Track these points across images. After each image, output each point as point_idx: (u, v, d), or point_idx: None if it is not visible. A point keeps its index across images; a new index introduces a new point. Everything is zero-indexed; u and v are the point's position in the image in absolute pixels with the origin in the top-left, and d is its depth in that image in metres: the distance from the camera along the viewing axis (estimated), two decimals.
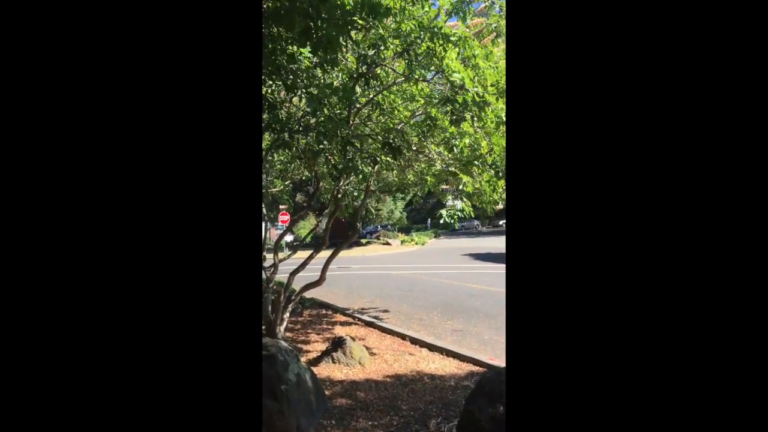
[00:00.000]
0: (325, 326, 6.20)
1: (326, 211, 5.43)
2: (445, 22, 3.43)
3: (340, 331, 5.84)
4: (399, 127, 3.74)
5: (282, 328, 4.98)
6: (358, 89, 3.06)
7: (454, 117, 3.09)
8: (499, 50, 4.31)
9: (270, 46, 2.64)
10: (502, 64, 3.78)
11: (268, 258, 5.50)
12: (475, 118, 3.09)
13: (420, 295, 8.53)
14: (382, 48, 3.08)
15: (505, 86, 3.40)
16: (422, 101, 3.74)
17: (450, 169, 3.72)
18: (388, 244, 23.21)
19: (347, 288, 9.57)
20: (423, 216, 37.14)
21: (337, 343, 4.39)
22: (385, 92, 3.74)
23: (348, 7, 1.89)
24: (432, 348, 4.90)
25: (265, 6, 2.17)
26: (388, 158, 3.89)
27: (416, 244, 23.54)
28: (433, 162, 4.05)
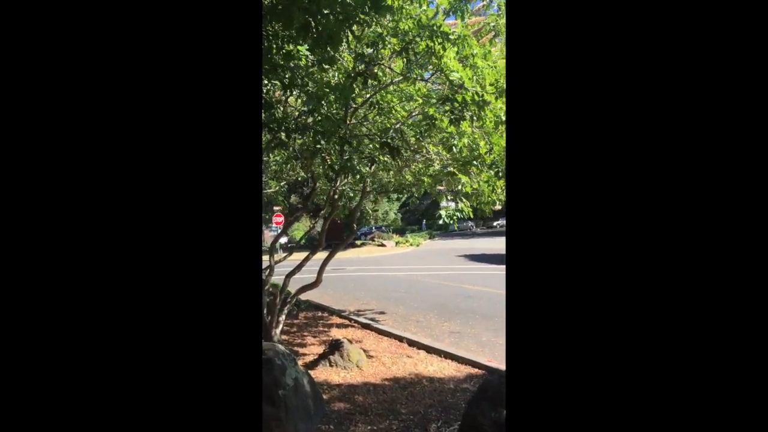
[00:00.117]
0: (321, 329, 6.14)
1: (322, 212, 5.37)
2: (443, 20, 3.39)
3: (336, 333, 5.78)
4: (396, 127, 3.70)
5: (278, 331, 4.92)
6: (355, 88, 3.00)
7: (454, 116, 3.05)
8: (497, 50, 4.28)
9: (266, 44, 2.58)
10: (500, 63, 3.75)
11: (264, 260, 5.43)
12: (475, 118, 3.05)
13: (416, 296, 8.48)
14: (381, 47, 3.03)
15: (503, 86, 3.37)
16: (420, 101, 3.69)
17: (448, 169, 3.68)
18: (382, 245, 23.14)
19: (343, 290, 9.51)
20: (417, 217, 37.15)
21: (334, 346, 4.33)
22: (381, 92, 3.70)
23: (349, 1, 1.84)
24: (430, 350, 4.85)
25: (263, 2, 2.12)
26: (385, 158, 3.85)
27: (411, 245, 23.51)
28: (431, 162, 4.01)
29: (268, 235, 14.94)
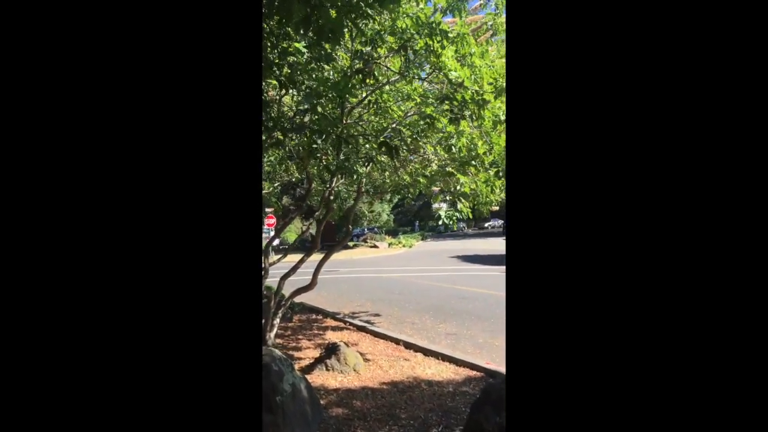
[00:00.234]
0: (315, 332, 6.05)
1: (317, 214, 5.28)
2: (441, 18, 3.34)
3: (331, 336, 5.70)
4: (393, 126, 3.64)
5: (272, 334, 4.83)
6: (355, 86, 2.94)
7: (453, 115, 3.00)
8: (494, 49, 4.25)
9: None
10: (498, 63, 3.72)
11: None
12: (474, 117, 3.00)
13: (411, 298, 8.43)
14: (379, 44, 2.97)
15: (501, 85, 3.33)
16: (418, 100, 3.64)
17: (447, 169, 3.63)
18: (375, 246, 23.06)
19: (336, 292, 9.42)
20: (409, 218, 37.14)
21: (331, 350, 4.25)
22: (378, 91, 3.64)
23: None
24: (427, 353, 4.79)
25: None
26: (382, 158, 3.79)
27: (404, 246, 23.46)
28: (429, 162, 3.95)
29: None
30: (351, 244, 23.48)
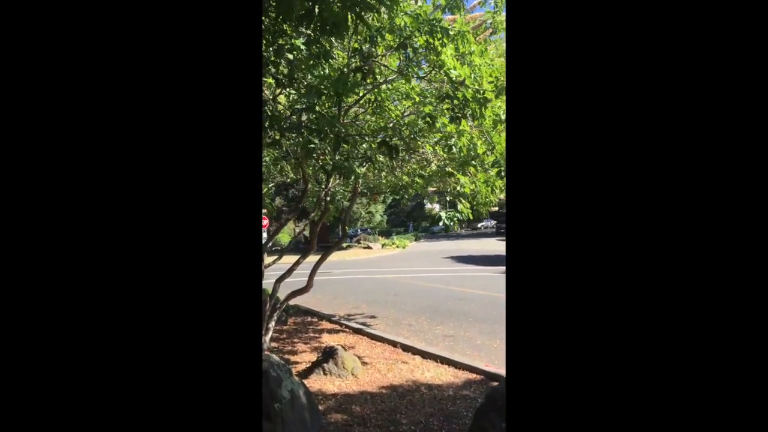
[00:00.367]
0: (311, 335, 5.97)
1: (312, 215, 5.20)
2: (441, 16, 3.29)
3: (327, 339, 5.62)
4: (391, 125, 3.58)
5: (267, 338, 4.73)
6: (356, 83, 2.87)
7: (455, 114, 2.95)
8: (492, 48, 4.20)
9: None
10: (497, 61, 3.67)
11: None
12: (476, 115, 2.95)
13: (406, 299, 8.36)
14: (378, 40, 2.91)
15: (502, 84, 3.29)
16: (417, 99, 3.58)
17: (447, 169, 3.57)
18: (368, 247, 22.96)
19: (331, 293, 9.33)
20: (402, 219, 37.09)
21: (328, 354, 4.17)
22: (376, 90, 3.57)
23: None
24: (425, 355, 4.73)
25: None
26: (381, 158, 3.72)
27: (397, 247, 23.39)
28: (428, 162, 3.89)
29: None
30: (344, 245, 23.37)
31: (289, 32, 2.68)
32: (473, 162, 3.55)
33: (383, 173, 5.04)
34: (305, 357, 4.80)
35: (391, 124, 3.62)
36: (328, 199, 4.88)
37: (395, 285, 10.37)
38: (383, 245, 23.71)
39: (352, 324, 6.33)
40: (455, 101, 2.97)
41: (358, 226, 26.27)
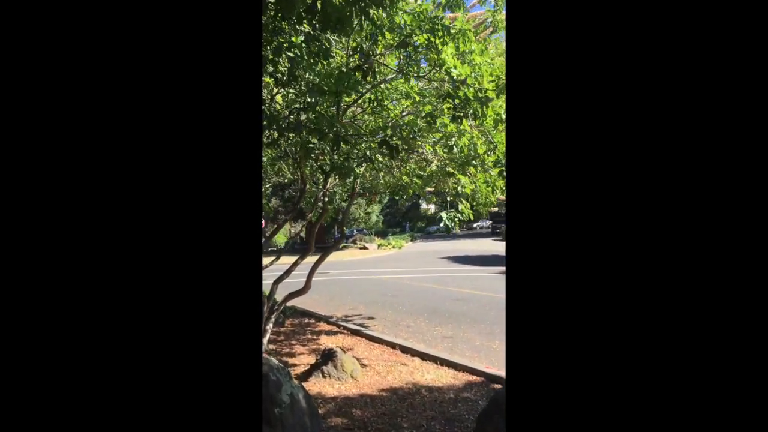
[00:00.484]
0: (309, 336, 5.91)
1: (309, 215, 5.15)
2: (443, 14, 3.26)
3: (325, 341, 5.57)
4: (390, 124, 3.53)
5: (265, 340, 4.68)
6: (358, 80, 2.82)
7: (456, 113, 2.91)
8: (492, 47, 4.18)
9: None
10: (498, 60, 3.64)
11: None
12: (478, 114, 2.91)
13: (404, 300, 8.32)
14: (379, 38, 2.86)
15: (502, 83, 3.25)
16: (417, 98, 3.54)
17: (447, 169, 3.54)
18: (364, 248, 22.90)
19: (328, 294, 9.27)
20: (398, 219, 37.08)
21: (327, 356, 4.12)
22: (376, 89, 3.53)
23: None
24: (424, 357, 4.69)
25: None
26: (380, 158, 3.67)
27: (393, 247, 23.35)
28: (428, 162, 3.85)
29: None
30: (340, 245, 23.29)
31: (287, 30, 2.64)
32: (474, 162, 3.51)
33: (381, 173, 4.99)
34: (303, 359, 4.75)
35: (389, 124, 3.57)
36: (326, 199, 4.84)
37: (392, 285, 10.33)
38: (379, 245, 23.67)
39: (350, 325, 6.28)
40: (456, 100, 2.93)
41: (354, 227, 26.21)
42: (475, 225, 34.85)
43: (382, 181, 5.47)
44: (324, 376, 3.96)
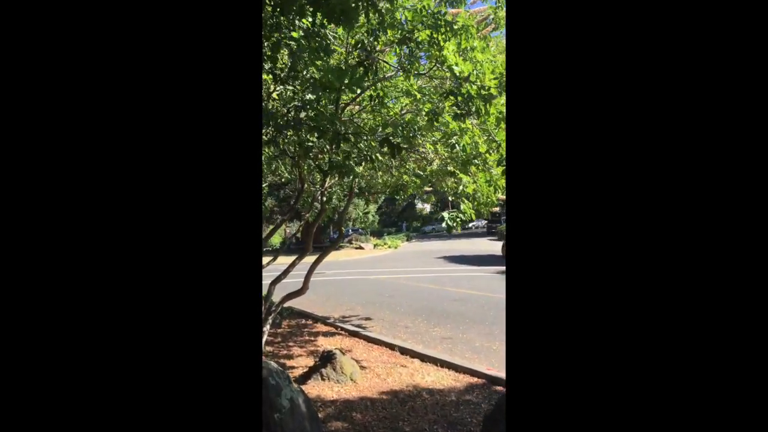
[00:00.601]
0: (306, 338, 5.84)
1: (307, 215, 5.08)
2: (446, 9, 3.19)
3: (323, 342, 5.50)
4: (390, 122, 3.47)
5: (262, 342, 4.60)
6: (361, 77, 2.75)
7: (459, 111, 2.85)
8: (493, 44, 4.12)
9: None
10: (500, 58, 3.58)
11: None
12: (482, 112, 2.85)
13: (402, 300, 8.26)
14: (381, 34, 2.80)
15: (504, 81, 3.20)
16: (418, 96, 3.48)
17: (448, 168, 3.48)
18: (360, 248, 22.81)
19: (325, 295, 9.19)
20: (393, 219, 37.02)
21: (326, 358, 4.05)
22: (377, 85, 3.47)
23: None
24: (424, 358, 4.64)
25: None
26: (380, 157, 3.61)
27: (389, 247, 23.30)
28: (428, 161, 3.80)
29: None
30: (338, 245, 23.20)
31: (286, 25, 2.57)
32: (475, 161, 3.46)
33: (380, 173, 4.93)
34: (301, 361, 4.68)
35: (390, 122, 3.51)
36: (324, 199, 4.77)
37: (389, 286, 10.27)
38: (375, 245, 23.60)
39: (348, 326, 6.21)
40: (459, 97, 2.87)
41: (350, 226, 26.12)
42: (470, 224, 34.88)
43: (380, 181, 5.41)
44: (323, 379, 3.90)
